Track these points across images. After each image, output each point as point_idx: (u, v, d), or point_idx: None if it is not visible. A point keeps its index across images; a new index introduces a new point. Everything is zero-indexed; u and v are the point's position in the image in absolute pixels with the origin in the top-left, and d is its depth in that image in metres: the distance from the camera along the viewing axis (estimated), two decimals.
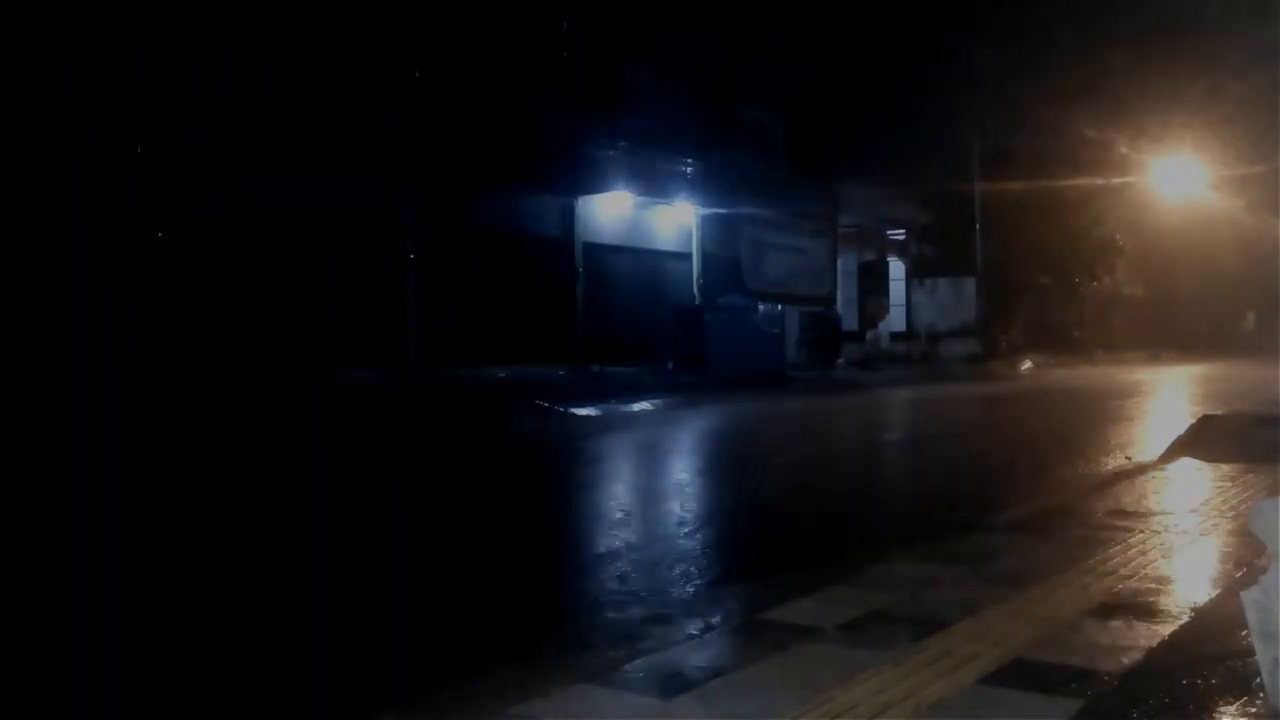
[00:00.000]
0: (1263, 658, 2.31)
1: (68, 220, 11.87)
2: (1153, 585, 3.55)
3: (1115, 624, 3.10)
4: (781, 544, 4.92)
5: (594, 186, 18.65)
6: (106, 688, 3.06)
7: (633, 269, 20.32)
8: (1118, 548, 4.10)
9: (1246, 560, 3.73)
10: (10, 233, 11.43)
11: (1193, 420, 8.05)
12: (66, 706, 2.95)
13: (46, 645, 3.45)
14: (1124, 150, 26.63)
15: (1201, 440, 7.02)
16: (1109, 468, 7.01)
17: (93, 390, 10.46)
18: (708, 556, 4.62)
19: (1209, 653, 2.78)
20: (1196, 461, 6.48)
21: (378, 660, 3.24)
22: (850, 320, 26.43)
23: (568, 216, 18.71)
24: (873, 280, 28.52)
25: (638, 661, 2.94)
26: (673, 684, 2.70)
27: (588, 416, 12.07)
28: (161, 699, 2.98)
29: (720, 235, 21.57)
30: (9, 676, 3.14)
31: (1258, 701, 2.39)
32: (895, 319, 29.08)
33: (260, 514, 5.95)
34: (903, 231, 28.91)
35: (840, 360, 22.81)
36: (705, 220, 21.14)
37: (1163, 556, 3.98)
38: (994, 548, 4.21)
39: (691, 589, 3.96)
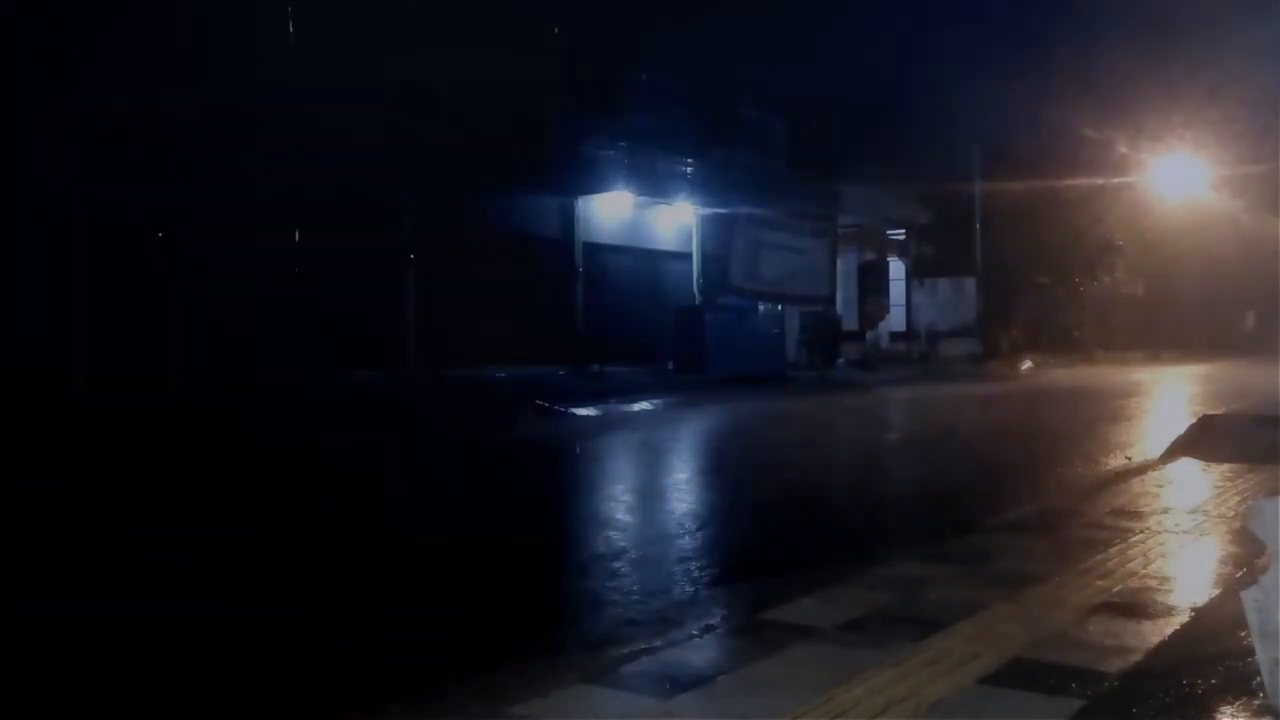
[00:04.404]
0: (1263, 658, 2.31)
1: (79, 222, 11.89)
2: (1153, 585, 3.55)
3: (1115, 624, 3.10)
4: (781, 544, 4.92)
5: (594, 186, 18.63)
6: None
7: (633, 269, 20.31)
8: (1118, 548, 4.10)
9: (1246, 560, 3.73)
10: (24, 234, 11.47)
11: (1192, 420, 8.05)
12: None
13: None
14: (1124, 150, 26.60)
15: (1201, 440, 7.02)
16: (1109, 468, 7.01)
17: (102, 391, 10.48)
18: (707, 556, 4.62)
19: (1209, 653, 2.78)
20: (1196, 461, 6.48)
21: (379, 659, 3.24)
22: (850, 320, 26.39)
23: (568, 216, 18.70)
24: (873, 280, 28.48)
25: (638, 661, 2.94)
26: (673, 684, 2.70)
27: (588, 417, 12.07)
28: (160, 696, 2.99)
29: (721, 235, 21.56)
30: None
31: (1258, 701, 2.39)
32: (895, 319, 29.03)
33: (262, 515, 5.95)
34: (903, 231, 28.88)
35: (840, 360, 22.79)
36: (705, 220, 21.13)
37: (1163, 556, 3.98)
38: (994, 548, 4.21)
39: (691, 589, 3.96)
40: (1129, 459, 7.38)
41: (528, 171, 16.83)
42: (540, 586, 4.25)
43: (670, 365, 18.32)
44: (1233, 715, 2.38)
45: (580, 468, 8.43)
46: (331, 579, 4.31)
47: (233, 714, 2.90)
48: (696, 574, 4.22)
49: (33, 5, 11.91)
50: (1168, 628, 3.06)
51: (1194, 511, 4.84)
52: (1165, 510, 4.92)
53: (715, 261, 21.46)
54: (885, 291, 28.92)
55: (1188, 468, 6.34)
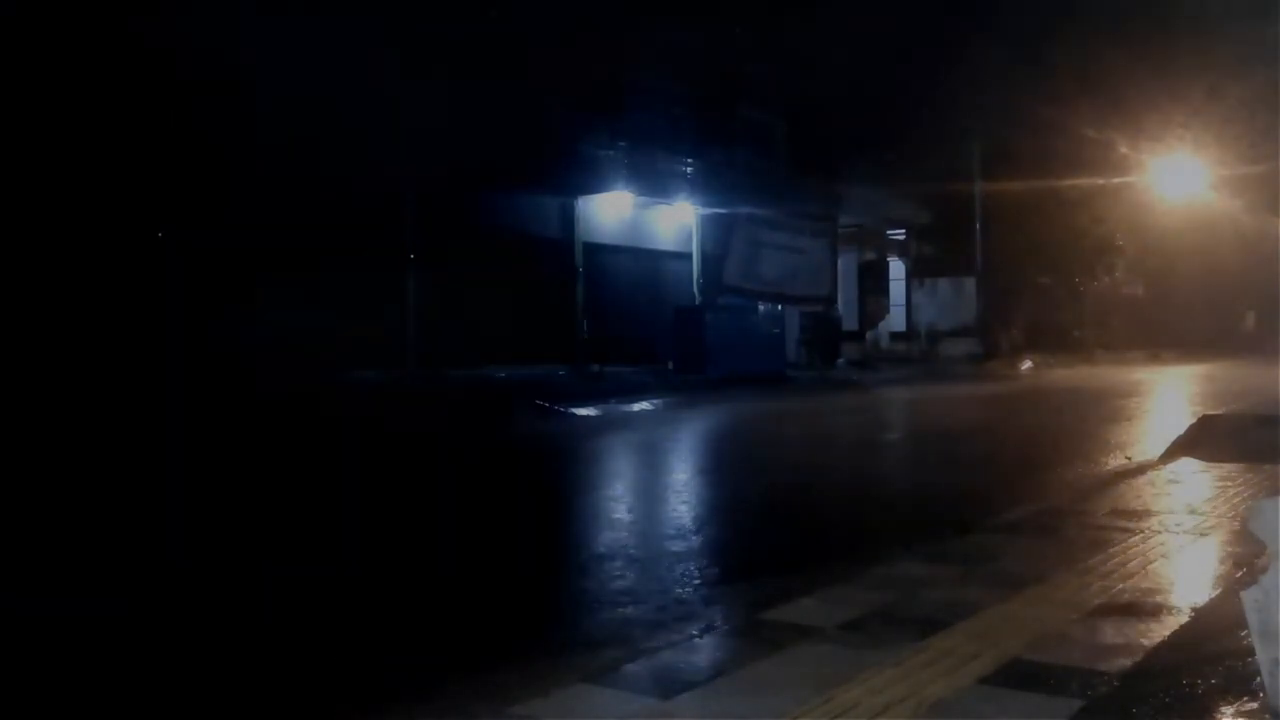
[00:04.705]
0: (1263, 658, 2.31)
1: (83, 228, 11.89)
2: (1153, 585, 3.55)
3: (1115, 624, 3.10)
4: (781, 544, 4.92)
5: (594, 186, 18.63)
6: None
7: (633, 269, 20.30)
8: (1118, 548, 4.10)
9: (1246, 560, 3.72)
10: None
11: (1193, 420, 8.04)
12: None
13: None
14: (1124, 150, 26.57)
15: (1201, 440, 7.01)
16: (1109, 468, 7.01)
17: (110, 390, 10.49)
18: (708, 556, 4.62)
19: (1209, 653, 2.78)
20: (1196, 461, 6.48)
21: (380, 659, 3.24)
22: (850, 320, 26.39)
23: (568, 216, 18.70)
24: (873, 280, 28.49)
25: (638, 661, 2.94)
26: (673, 684, 2.70)
27: (588, 416, 12.07)
28: (160, 696, 2.99)
29: (721, 235, 21.57)
30: None
31: (1257, 701, 2.39)
32: (895, 319, 29.04)
33: (258, 516, 5.95)
34: (903, 231, 28.88)
35: (840, 360, 22.79)
36: (705, 220, 21.13)
37: (1163, 556, 3.98)
38: (994, 548, 4.21)
39: (692, 589, 3.96)
40: (1129, 459, 7.38)
41: (528, 171, 16.83)
42: (540, 586, 4.25)
43: (670, 365, 18.32)
44: (1233, 715, 2.38)
45: (580, 468, 8.43)
46: (331, 579, 4.31)
47: (233, 713, 2.90)
48: (696, 574, 4.22)
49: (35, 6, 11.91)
50: (1168, 628, 3.06)
51: (1194, 511, 4.84)
52: (1165, 510, 4.92)
53: (715, 261, 21.47)
54: (885, 291, 28.93)
55: (1188, 468, 6.34)
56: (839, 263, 25.83)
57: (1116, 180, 27.26)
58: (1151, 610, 3.23)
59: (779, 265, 22.93)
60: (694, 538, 5.01)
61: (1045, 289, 30.50)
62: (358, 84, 13.98)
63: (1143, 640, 2.94)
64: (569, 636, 3.36)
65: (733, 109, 22.19)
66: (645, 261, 20.65)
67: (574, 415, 11.98)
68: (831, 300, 24.71)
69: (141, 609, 3.85)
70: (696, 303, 20.28)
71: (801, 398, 15.70)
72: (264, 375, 12.46)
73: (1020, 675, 2.66)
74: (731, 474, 7.85)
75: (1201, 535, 4.35)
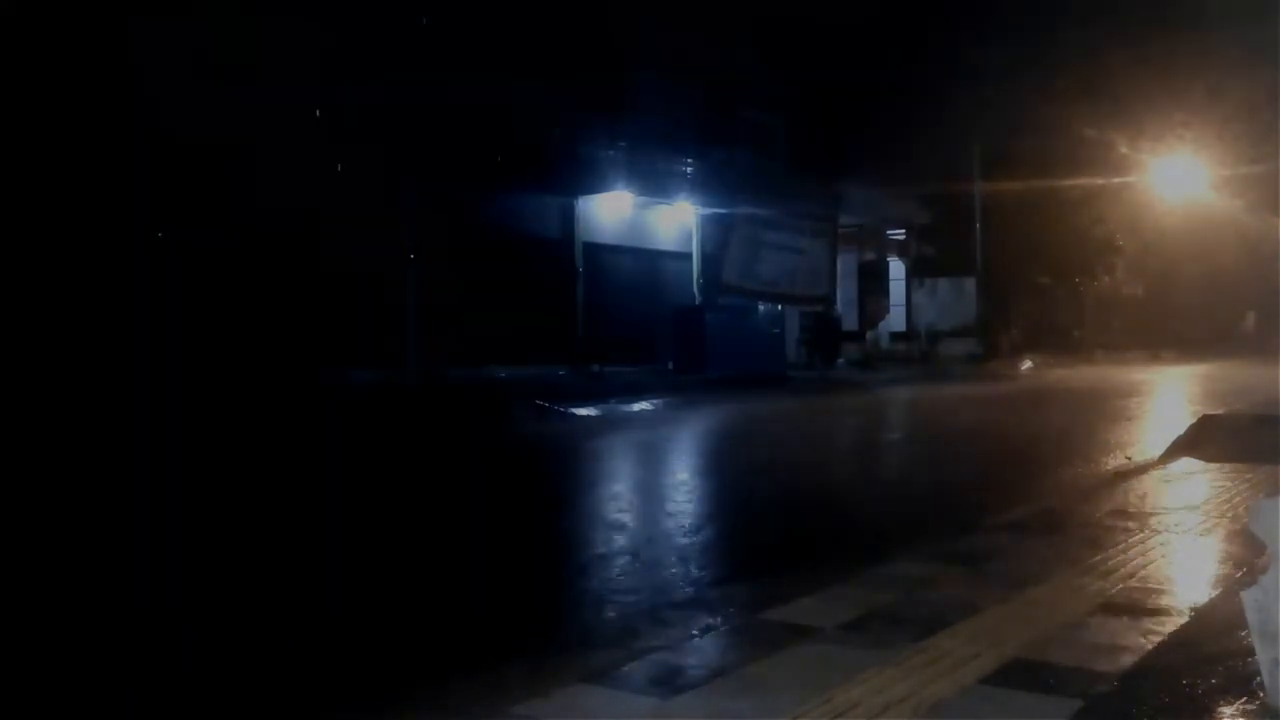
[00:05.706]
0: (1263, 658, 2.31)
1: (76, 221, 11.87)
2: (1153, 585, 3.55)
3: (1115, 624, 3.10)
4: (781, 544, 4.92)
5: (594, 186, 18.64)
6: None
7: (633, 269, 20.31)
8: (1118, 548, 4.10)
9: (1246, 560, 3.73)
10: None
11: (1193, 420, 8.04)
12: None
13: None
14: (1124, 150, 26.58)
15: (1201, 440, 7.01)
16: (1109, 468, 7.01)
17: (115, 391, 10.48)
18: (707, 556, 4.62)
19: (1209, 653, 2.78)
20: (1196, 461, 6.47)
21: (380, 659, 3.25)
22: (850, 320, 26.39)
23: (568, 216, 18.70)
24: (873, 280, 28.48)
25: (638, 661, 2.94)
26: (673, 684, 2.70)
27: (588, 416, 12.07)
28: (160, 695, 2.99)
29: (720, 235, 21.57)
30: None
31: (1257, 701, 2.39)
32: (895, 319, 29.03)
33: (264, 515, 5.95)
34: (903, 231, 28.88)
35: (840, 360, 22.79)
36: (705, 220, 21.13)
37: (1163, 556, 3.98)
38: (994, 548, 4.21)
39: (691, 589, 3.97)
40: (1129, 459, 7.38)
41: (528, 171, 16.83)
42: (541, 587, 4.25)
43: (670, 365, 18.32)
44: (1233, 715, 2.38)
45: (580, 468, 8.43)
46: (330, 580, 4.31)
47: (232, 713, 2.90)
48: (696, 574, 4.22)
49: (34, 9, 11.91)
50: (1168, 628, 3.06)
51: (1194, 511, 4.84)
52: (1165, 510, 4.92)
53: (715, 261, 21.48)
54: (885, 291, 28.91)
55: (1188, 467, 6.34)
56: (839, 263, 25.82)
57: (1117, 180, 27.27)
58: (1151, 610, 3.23)
59: (779, 265, 22.93)
60: (694, 537, 5.01)
61: (1045, 289, 30.50)
62: (359, 83, 13.99)
63: (1143, 640, 2.94)
64: (569, 636, 3.36)
65: (733, 109, 22.18)
66: (645, 261, 20.65)
67: (574, 415, 11.98)
68: (831, 300, 24.71)
69: (140, 609, 3.85)
70: (696, 303, 20.28)
71: (801, 398, 15.70)
72: (263, 375, 12.46)
73: (1020, 675, 2.66)
74: (731, 474, 7.85)
75: (1201, 535, 4.35)
